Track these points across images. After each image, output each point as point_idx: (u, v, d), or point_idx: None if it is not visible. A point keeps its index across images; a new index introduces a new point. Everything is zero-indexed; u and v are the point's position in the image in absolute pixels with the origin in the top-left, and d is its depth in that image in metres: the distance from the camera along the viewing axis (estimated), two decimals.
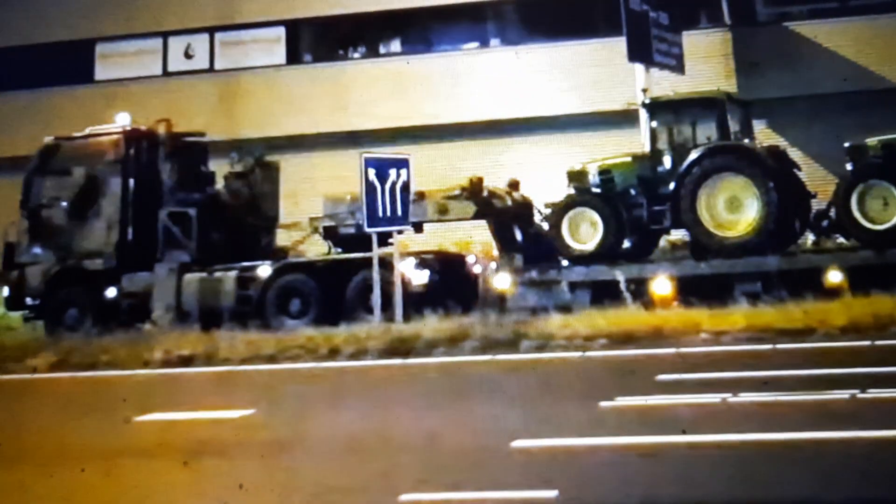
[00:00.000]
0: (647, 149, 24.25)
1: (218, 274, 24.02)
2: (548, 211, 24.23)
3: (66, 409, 16.58)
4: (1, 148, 34.91)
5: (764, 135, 27.90)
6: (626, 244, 23.84)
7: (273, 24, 35.88)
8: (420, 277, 22.84)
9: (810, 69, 30.97)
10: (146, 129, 25.51)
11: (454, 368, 18.01)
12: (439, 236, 26.98)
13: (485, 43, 35.29)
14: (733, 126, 23.43)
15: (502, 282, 23.36)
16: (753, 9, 33.14)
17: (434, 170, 28.57)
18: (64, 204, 25.13)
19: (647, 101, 25.07)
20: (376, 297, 21.61)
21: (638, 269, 22.71)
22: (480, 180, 24.69)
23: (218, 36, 36.39)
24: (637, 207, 23.42)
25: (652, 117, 24.07)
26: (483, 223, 25.45)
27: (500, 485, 9.92)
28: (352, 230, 24.04)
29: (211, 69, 36.52)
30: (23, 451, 12.81)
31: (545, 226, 24.32)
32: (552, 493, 9.37)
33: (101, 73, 37.24)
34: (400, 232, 22.63)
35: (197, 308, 23.74)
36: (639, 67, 28.82)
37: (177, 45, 36.69)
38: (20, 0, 37.46)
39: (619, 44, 28.58)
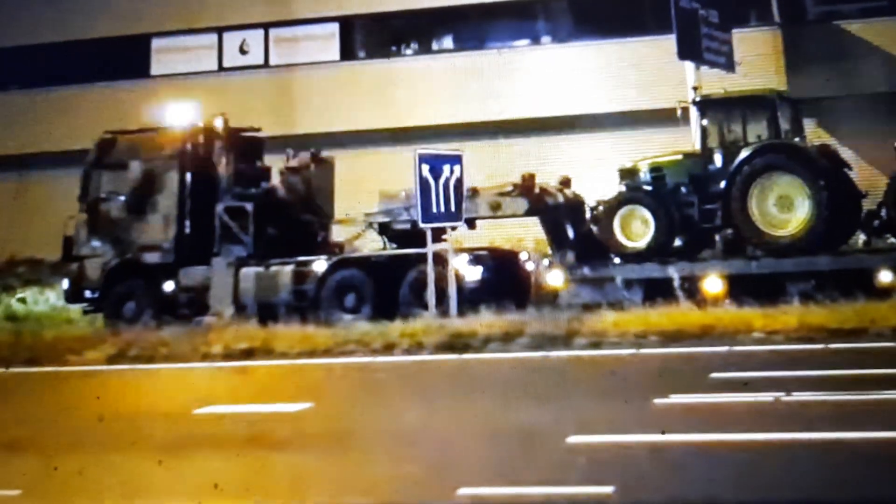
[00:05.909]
0: (697, 147, 24.30)
1: (274, 268, 24.21)
2: (600, 208, 24.33)
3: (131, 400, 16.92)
4: (58, 142, 35.38)
5: (814, 133, 27.92)
6: (678, 242, 23.96)
7: (327, 21, 36.13)
8: (473, 273, 22.99)
9: (860, 67, 30.91)
10: (202, 124, 25.76)
11: (508, 364, 18.15)
12: (494, 233, 27.14)
13: (536, 40, 35.46)
14: (784, 124, 23.45)
15: (555, 278, 23.54)
16: (803, 7, 33.07)
17: (486, 166, 28.70)
18: (122, 198, 25.30)
19: (698, 99, 25.13)
20: (431, 293, 21.75)
21: (690, 266, 22.80)
22: (532, 177, 24.79)
23: (272, 32, 36.69)
24: (688, 206, 23.50)
25: (703, 115, 24.11)
26: (535, 220, 25.55)
27: (556, 480, 10.06)
28: (406, 226, 24.11)
29: (266, 65, 36.85)
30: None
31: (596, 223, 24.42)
32: (608, 489, 9.49)
33: (156, 68, 37.65)
34: (454, 228, 22.78)
35: (254, 302, 24.00)
36: (689, 65, 28.81)
37: (232, 40, 37.03)
38: None
39: (669, 41, 28.61)
